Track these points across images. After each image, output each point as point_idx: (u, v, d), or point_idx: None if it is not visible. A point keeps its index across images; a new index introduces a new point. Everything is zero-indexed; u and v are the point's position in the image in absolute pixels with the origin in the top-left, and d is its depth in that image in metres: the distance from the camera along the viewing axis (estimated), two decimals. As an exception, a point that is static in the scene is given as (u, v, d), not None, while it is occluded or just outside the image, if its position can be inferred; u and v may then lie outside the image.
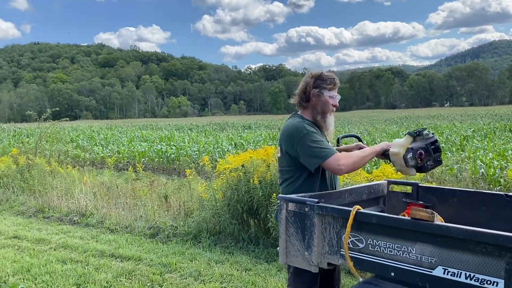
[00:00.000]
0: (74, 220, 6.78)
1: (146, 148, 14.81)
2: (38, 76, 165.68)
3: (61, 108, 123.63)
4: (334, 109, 2.65)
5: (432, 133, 2.52)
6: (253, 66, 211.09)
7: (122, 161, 14.14)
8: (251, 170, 5.40)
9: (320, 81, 2.58)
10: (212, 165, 6.84)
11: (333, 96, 2.60)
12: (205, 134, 23.38)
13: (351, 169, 2.45)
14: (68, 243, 5.50)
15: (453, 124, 29.89)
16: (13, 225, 6.65)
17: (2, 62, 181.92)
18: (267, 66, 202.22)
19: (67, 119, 12.79)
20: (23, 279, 4.25)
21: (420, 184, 2.97)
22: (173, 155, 13.49)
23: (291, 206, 2.33)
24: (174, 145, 15.30)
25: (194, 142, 16.38)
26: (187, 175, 6.46)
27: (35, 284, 4.13)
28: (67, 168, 9.24)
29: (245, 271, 4.47)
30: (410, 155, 2.38)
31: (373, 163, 9.98)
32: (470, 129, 22.54)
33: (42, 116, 10.50)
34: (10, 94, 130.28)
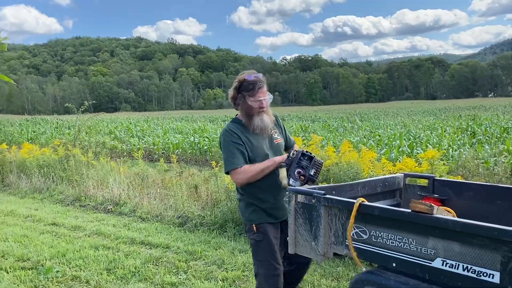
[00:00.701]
0: (108, 209, 7.11)
1: (180, 140, 15.17)
2: (80, 70, 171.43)
3: (101, 101, 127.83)
4: (262, 110, 2.84)
5: (296, 151, 2.77)
6: (288, 57, 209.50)
7: (156, 152, 14.54)
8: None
9: (242, 87, 2.81)
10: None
11: (257, 100, 2.78)
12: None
13: (246, 182, 2.82)
14: (102, 231, 5.79)
15: (496, 115, 28.73)
16: (52, 212, 7.04)
17: (46, 56, 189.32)
18: (302, 57, 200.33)
19: (103, 113, 13.25)
20: (59, 263, 4.54)
21: (436, 178, 2.97)
22: (205, 147, 13.75)
23: (300, 198, 2.40)
24: (207, 137, 15.58)
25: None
26: (213, 166, 6.62)
27: (69, 268, 4.40)
28: (103, 159, 9.63)
29: (267, 261, 4.58)
30: (292, 181, 2.68)
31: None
32: (512, 120, 21.64)
33: (80, 108, 10.94)
34: (54, 87, 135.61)
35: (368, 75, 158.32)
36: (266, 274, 2.83)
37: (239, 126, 2.88)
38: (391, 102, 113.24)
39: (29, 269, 4.38)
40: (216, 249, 4.96)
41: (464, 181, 3.14)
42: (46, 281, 4.05)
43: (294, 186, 2.60)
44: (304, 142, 6.08)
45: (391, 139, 14.00)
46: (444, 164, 5.66)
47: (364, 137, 15.81)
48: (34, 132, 24.57)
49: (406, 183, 3.14)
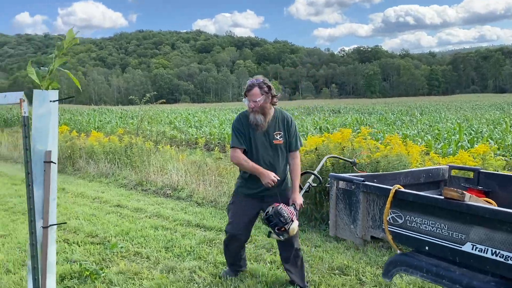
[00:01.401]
0: (167, 193, 7.57)
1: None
2: (142, 62, 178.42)
3: (162, 92, 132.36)
4: (252, 109, 3.42)
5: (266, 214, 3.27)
6: (346, 48, 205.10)
7: (213, 142, 15.04)
8: (324, 153, 5.60)
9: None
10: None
11: (248, 101, 3.44)
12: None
13: (235, 163, 3.63)
14: (161, 213, 6.23)
15: None
16: (117, 195, 7.62)
17: (112, 49, 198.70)
18: (361, 48, 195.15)
19: (164, 100, 13.89)
20: (122, 240, 4.98)
21: (481, 170, 3.00)
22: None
23: (341, 184, 2.56)
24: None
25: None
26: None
27: (132, 245, 4.82)
28: (163, 147, 10.19)
29: (314, 247, 4.75)
30: (274, 236, 3.27)
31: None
32: None
33: (142, 99, 11.60)
34: (119, 79, 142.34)
35: (431, 66, 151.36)
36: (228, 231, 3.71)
37: (246, 118, 3.50)
38: (455, 95, 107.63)
39: (97, 244, 4.85)
40: (266, 235, 5.19)
41: (508, 174, 3.13)
42: (112, 255, 4.49)
43: (282, 238, 3.25)
44: (354, 135, 6.13)
45: (450, 134, 13.52)
46: (504, 159, 5.51)
47: (422, 131, 15.37)
48: (100, 121, 26.16)
49: (451, 175, 3.18)
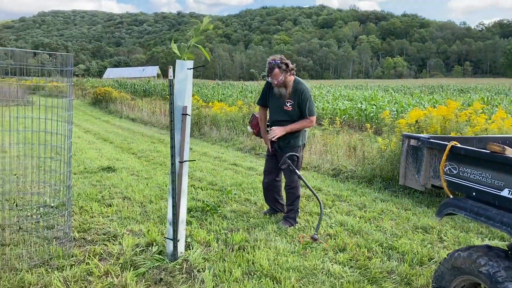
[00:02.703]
0: (277, 158, 8.43)
1: (348, 106, 15.86)
2: (264, 39, 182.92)
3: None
4: (276, 85, 4.33)
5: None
6: (486, 22, 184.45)
7: (324, 117, 15.56)
8: (424, 126, 5.85)
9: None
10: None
11: (270, 79, 4.32)
12: (412, 96, 22.92)
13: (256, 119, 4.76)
14: (270, 172, 7.09)
15: None
16: (233, 156, 8.72)
17: (237, 26, 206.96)
18: (505, 21, 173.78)
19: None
20: (236, 189, 5.94)
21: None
22: (371, 114, 14.15)
23: (412, 142, 3.02)
24: (375, 105, 15.88)
25: (395, 103, 16.58)
26: (367, 129, 7.25)
27: (243, 193, 5.75)
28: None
29: (404, 210, 5.16)
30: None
31: None
32: None
33: (260, 74, 12.57)
34: (241, 55, 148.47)
35: None
36: None
37: (270, 85, 4.46)
38: None
39: (216, 190, 5.88)
40: (360, 196, 5.72)
41: None
42: (227, 199, 5.46)
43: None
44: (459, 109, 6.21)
45: None
46: None
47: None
48: (223, 94, 28.25)
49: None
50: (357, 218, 4.80)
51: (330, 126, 10.39)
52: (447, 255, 2.70)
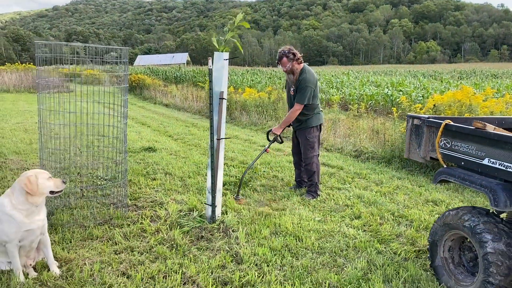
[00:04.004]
0: (303, 140, 8.98)
1: (374, 92, 16.12)
2: (293, 24, 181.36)
3: (310, 54, 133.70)
4: (285, 72, 5.09)
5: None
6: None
7: (351, 102, 15.91)
8: (441, 109, 6.27)
9: None
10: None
11: (280, 67, 5.04)
12: (441, 81, 22.81)
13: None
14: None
15: None
16: (262, 139, 9.31)
17: (265, 12, 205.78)
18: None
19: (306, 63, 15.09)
20: (265, 167, 6.55)
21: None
22: (397, 99, 14.38)
23: (415, 121, 3.53)
24: (401, 90, 16.08)
25: (422, 88, 16.71)
26: (393, 113, 7.69)
27: (271, 171, 6.35)
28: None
29: (418, 186, 5.65)
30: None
31: None
32: None
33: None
34: (270, 41, 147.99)
35: None
36: None
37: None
38: None
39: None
40: (379, 174, 6.23)
41: None
42: (257, 175, 6.08)
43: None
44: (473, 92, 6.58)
45: None
46: None
47: None
48: (252, 80, 28.79)
49: (527, 124, 3.81)
50: (373, 192, 5.33)
51: (356, 111, 10.82)
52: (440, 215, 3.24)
